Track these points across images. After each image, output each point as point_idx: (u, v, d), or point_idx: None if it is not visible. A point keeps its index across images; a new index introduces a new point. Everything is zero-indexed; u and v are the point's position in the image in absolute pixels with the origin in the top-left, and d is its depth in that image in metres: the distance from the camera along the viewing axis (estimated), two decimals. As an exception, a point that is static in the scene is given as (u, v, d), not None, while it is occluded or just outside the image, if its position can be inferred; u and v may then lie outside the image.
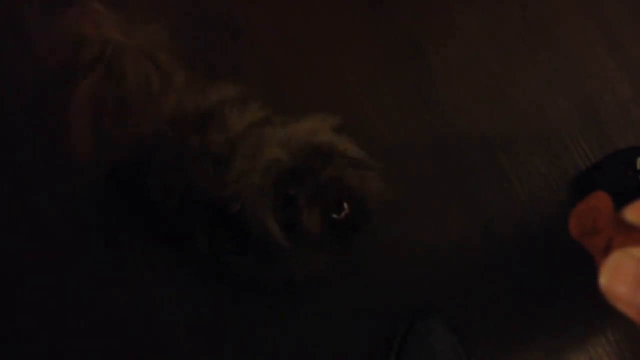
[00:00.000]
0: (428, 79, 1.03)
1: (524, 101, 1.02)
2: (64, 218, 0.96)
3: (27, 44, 1.01)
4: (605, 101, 1.03)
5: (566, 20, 1.06)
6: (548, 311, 0.95)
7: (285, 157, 0.62)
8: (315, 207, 0.63)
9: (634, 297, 0.20)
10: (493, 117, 1.02)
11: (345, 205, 0.64)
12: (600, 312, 0.93)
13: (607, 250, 0.23)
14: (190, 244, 0.76)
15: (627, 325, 0.76)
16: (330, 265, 0.81)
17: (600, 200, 0.24)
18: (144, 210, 0.79)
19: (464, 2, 1.07)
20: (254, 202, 0.64)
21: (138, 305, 0.93)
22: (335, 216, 0.64)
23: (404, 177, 0.98)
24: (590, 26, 1.06)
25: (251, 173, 0.63)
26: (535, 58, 1.05)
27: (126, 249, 0.95)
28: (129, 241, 0.95)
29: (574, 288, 0.93)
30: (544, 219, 0.98)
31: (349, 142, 0.68)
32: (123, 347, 0.93)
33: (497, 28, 1.06)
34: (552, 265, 0.95)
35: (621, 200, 0.25)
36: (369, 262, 0.95)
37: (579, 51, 1.05)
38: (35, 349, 0.93)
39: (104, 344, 0.93)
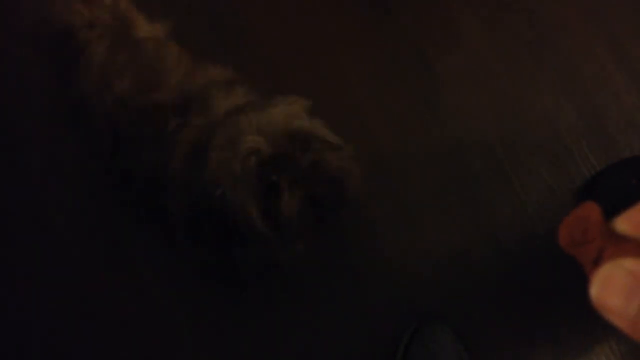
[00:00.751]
0: (432, 85, 1.04)
1: (529, 109, 1.02)
2: (66, 217, 0.96)
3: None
4: (611, 110, 1.03)
5: (572, 29, 1.06)
6: (553, 320, 0.94)
7: (264, 143, 0.63)
8: (297, 192, 0.64)
9: (625, 308, 0.20)
10: (498, 124, 1.02)
11: (323, 188, 0.65)
12: (604, 321, 0.93)
13: (598, 261, 0.23)
14: (171, 228, 0.76)
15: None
16: (316, 254, 0.80)
17: (590, 210, 0.24)
18: (132, 186, 0.80)
19: (469, 9, 1.07)
20: (235, 189, 0.65)
21: (139, 304, 0.94)
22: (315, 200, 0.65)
23: (408, 184, 0.99)
24: (596, 35, 1.06)
25: (231, 161, 0.64)
26: (540, 66, 1.05)
27: (127, 247, 0.95)
28: (131, 239, 0.96)
29: (579, 297, 0.93)
30: (549, 228, 0.97)
31: (322, 125, 0.69)
32: (124, 345, 0.93)
33: (502, 35, 1.06)
34: (557, 274, 0.94)
35: (625, 209, 0.25)
36: (374, 268, 0.95)
37: (584, 59, 1.05)
38: (35, 348, 0.93)
39: (105, 343, 0.93)
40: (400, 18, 1.06)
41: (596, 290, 0.21)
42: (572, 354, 0.94)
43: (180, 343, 0.93)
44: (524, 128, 1.01)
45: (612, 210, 0.25)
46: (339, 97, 1.02)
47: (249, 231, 0.66)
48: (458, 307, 0.93)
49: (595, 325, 0.94)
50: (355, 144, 0.99)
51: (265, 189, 0.64)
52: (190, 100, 0.73)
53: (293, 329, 0.93)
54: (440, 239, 0.97)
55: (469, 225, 0.98)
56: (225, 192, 0.65)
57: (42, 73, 0.97)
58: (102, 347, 0.93)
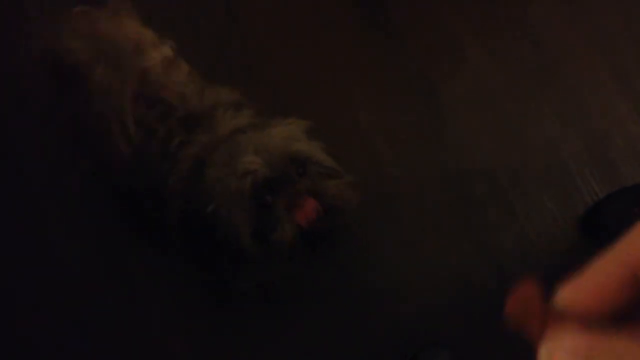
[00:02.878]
0: (436, 109, 1.04)
1: (533, 136, 1.02)
2: (65, 231, 0.96)
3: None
4: (615, 138, 1.02)
5: (577, 57, 1.07)
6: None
7: (261, 165, 0.63)
8: (291, 217, 0.64)
9: None
10: (501, 150, 1.01)
11: (319, 215, 0.64)
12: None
13: (541, 336, 0.24)
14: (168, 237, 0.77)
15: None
16: (331, 290, 0.80)
17: (528, 291, 0.25)
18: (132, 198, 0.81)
19: (474, 34, 1.08)
20: (229, 207, 0.65)
21: (138, 314, 0.93)
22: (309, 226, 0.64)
23: (410, 208, 0.98)
24: (602, 64, 1.06)
25: (227, 179, 0.64)
26: (545, 93, 1.05)
27: (126, 256, 0.95)
28: (130, 249, 0.95)
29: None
30: (551, 254, 0.97)
31: (321, 149, 0.69)
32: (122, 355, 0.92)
33: (507, 62, 1.06)
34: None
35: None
36: (374, 292, 0.94)
37: (589, 88, 1.05)
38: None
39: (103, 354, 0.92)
40: (406, 43, 1.07)
41: None
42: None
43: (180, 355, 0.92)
44: (527, 154, 1.01)
45: (615, 238, 0.26)
46: (343, 119, 1.02)
47: (237, 249, 0.66)
48: (457, 332, 0.92)
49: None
50: (357, 167, 1.00)
51: (259, 209, 0.64)
52: (197, 118, 0.73)
53: (293, 353, 0.92)
54: (441, 264, 0.96)
55: (470, 250, 0.97)
56: (218, 209, 0.65)
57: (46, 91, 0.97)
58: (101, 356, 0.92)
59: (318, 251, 0.72)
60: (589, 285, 0.24)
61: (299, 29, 1.08)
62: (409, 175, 1.01)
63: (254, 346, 0.93)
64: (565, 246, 0.97)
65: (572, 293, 0.24)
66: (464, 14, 1.07)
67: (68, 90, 0.79)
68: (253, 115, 0.76)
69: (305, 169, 0.65)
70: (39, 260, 0.96)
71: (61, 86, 0.81)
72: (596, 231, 0.95)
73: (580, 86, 1.05)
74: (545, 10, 1.08)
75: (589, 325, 0.23)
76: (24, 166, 0.99)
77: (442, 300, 0.94)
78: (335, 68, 1.06)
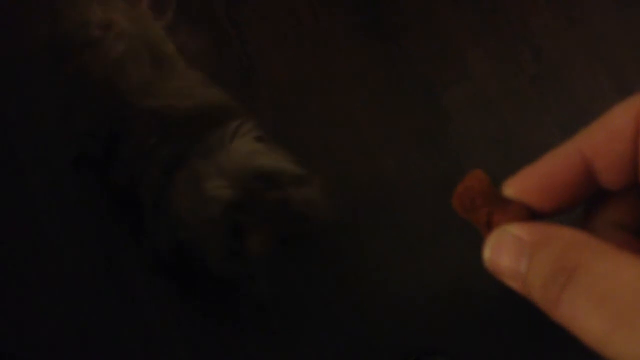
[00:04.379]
0: (436, 115, 1.04)
1: (533, 143, 1.02)
2: (66, 239, 0.96)
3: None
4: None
5: (577, 66, 1.07)
6: (554, 356, 0.93)
7: (226, 187, 0.63)
8: (263, 231, 0.64)
9: (516, 270, 0.21)
10: (501, 157, 1.02)
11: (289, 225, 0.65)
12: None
13: (489, 225, 0.24)
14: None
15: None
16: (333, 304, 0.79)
17: (475, 179, 0.25)
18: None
19: (475, 42, 1.08)
20: (202, 236, 0.64)
21: (139, 328, 0.93)
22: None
23: (409, 214, 0.98)
24: (601, 72, 1.06)
25: (194, 208, 0.63)
26: (545, 101, 1.05)
27: (127, 270, 0.94)
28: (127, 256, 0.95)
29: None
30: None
31: (284, 157, 0.69)
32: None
33: (507, 69, 1.07)
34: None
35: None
36: (373, 300, 0.94)
37: (590, 96, 1.05)
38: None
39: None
40: (406, 49, 1.07)
41: (488, 254, 0.22)
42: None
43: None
44: (527, 162, 1.01)
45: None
46: (342, 124, 1.02)
47: (215, 273, 0.66)
48: (457, 339, 0.92)
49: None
50: (356, 172, 1.00)
51: (232, 231, 0.64)
52: (189, 119, 0.73)
53: None
54: (441, 271, 0.96)
55: (471, 258, 0.96)
56: (190, 238, 0.65)
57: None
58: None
59: (295, 263, 0.72)
60: (538, 173, 0.24)
61: (298, 35, 1.08)
62: (408, 180, 1.00)
63: (252, 355, 0.92)
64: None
65: (521, 181, 0.24)
66: (465, 21, 1.08)
67: (77, 64, 0.79)
68: (250, 127, 0.75)
69: (272, 182, 0.65)
70: (35, 259, 0.95)
71: (71, 60, 0.80)
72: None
73: (580, 94, 1.05)
74: (545, 19, 1.08)
75: (535, 216, 0.23)
76: (22, 160, 0.99)
77: (442, 307, 0.94)
78: (334, 73, 1.06)
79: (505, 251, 0.21)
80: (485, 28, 1.08)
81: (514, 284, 0.21)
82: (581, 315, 0.18)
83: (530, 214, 0.23)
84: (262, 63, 1.06)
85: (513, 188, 0.24)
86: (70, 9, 0.80)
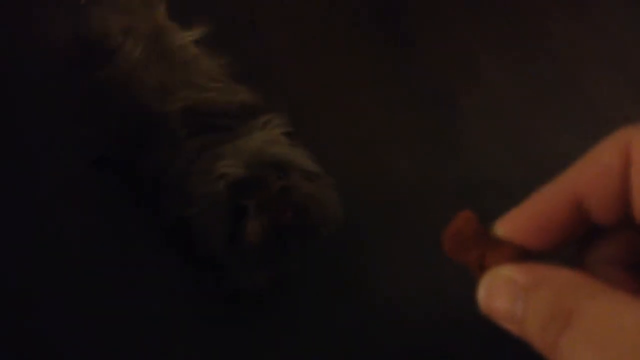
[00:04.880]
0: (451, 121, 1.03)
1: (549, 150, 1.01)
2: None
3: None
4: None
5: (594, 71, 1.06)
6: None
7: (237, 168, 0.63)
8: (261, 217, 0.63)
9: (512, 312, 0.21)
10: (516, 164, 1.00)
11: (289, 214, 0.64)
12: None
13: (482, 267, 0.23)
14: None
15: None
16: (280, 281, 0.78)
17: (465, 220, 0.25)
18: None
19: (491, 48, 1.07)
20: (204, 212, 0.65)
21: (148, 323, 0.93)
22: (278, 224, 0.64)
23: (419, 219, 0.97)
24: (621, 79, 1.05)
25: (203, 184, 0.64)
26: (561, 108, 1.04)
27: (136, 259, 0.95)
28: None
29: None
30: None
31: (302, 153, 0.69)
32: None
33: (523, 75, 1.06)
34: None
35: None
36: (379, 303, 0.93)
37: (606, 103, 1.04)
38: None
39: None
40: (421, 55, 1.07)
41: (482, 297, 0.22)
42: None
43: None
44: (542, 169, 1.00)
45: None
46: (355, 128, 1.02)
47: (212, 254, 0.66)
48: (465, 347, 0.91)
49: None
50: (370, 175, 1.00)
51: (234, 213, 0.64)
52: (214, 115, 0.74)
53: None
54: (450, 277, 0.94)
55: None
56: (195, 215, 0.65)
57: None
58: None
59: (291, 253, 0.71)
60: (529, 213, 0.24)
61: (316, 39, 1.08)
62: (421, 184, 1.00)
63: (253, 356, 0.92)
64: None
65: (512, 221, 0.24)
66: (481, 27, 1.07)
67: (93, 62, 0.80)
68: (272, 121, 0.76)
69: (284, 172, 0.65)
70: (43, 249, 0.95)
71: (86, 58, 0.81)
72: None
73: (598, 101, 1.04)
74: (562, 25, 1.07)
75: (528, 256, 0.23)
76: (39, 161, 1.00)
77: (449, 314, 0.93)
78: (351, 78, 1.06)
79: (500, 294, 0.21)
80: (500, 35, 1.08)
81: (510, 327, 0.21)
82: None
83: (524, 254, 0.23)
84: (279, 63, 1.06)
85: (504, 228, 0.24)
86: (93, 19, 0.82)
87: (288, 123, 0.71)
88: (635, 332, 0.17)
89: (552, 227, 0.23)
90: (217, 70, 0.83)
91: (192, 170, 0.67)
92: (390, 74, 1.06)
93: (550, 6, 1.09)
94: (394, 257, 0.96)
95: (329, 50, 1.08)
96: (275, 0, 1.12)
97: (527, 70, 1.06)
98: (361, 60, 1.07)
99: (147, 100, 0.74)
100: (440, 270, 0.95)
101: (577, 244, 0.25)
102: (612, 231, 0.23)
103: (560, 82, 1.05)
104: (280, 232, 0.64)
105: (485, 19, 1.08)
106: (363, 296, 0.94)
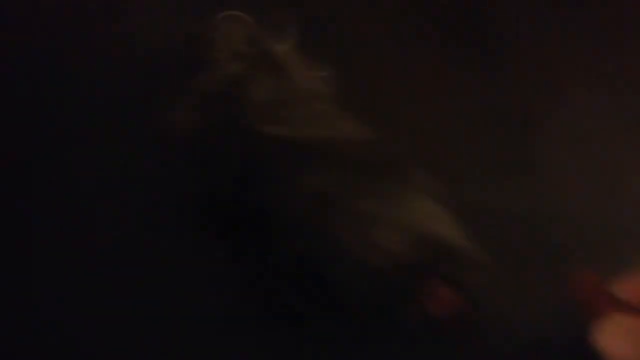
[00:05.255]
0: (529, 146, 0.99)
1: (633, 189, 0.95)
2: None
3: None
4: None
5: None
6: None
7: (402, 244, 0.60)
8: (425, 304, 0.60)
9: (633, 356, 0.26)
10: (594, 200, 0.95)
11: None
12: None
13: (602, 313, 0.31)
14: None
15: None
16: None
17: (589, 282, 0.33)
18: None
19: (583, 77, 1.03)
20: (361, 276, 0.61)
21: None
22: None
23: (489, 247, 0.94)
24: None
25: (358, 244, 0.60)
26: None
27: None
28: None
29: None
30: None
31: (463, 235, 0.64)
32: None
33: (612, 108, 1.01)
34: None
35: None
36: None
37: None
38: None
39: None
40: (505, 75, 1.04)
41: (605, 342, 0.28)
42: None
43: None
44: (623, 208, 0.95)
45: None
46: (432, 146, 1.00)
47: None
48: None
49: None
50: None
51: (392, 289, 0.61)
52: (333, 151, 0.71)
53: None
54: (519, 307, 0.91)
55: (544, 298, 0.92)
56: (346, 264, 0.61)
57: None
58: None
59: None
60: None
61: (396, 52, 1.07)
62: (486, 206, 0.97)
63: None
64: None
65: (630, 286, 0.32)
66: (575, 53, 1.03)
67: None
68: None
69: (450, 256, 0.61)
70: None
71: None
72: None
73: None
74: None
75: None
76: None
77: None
78: (428, 89, 1.04)
79: (622, 341, 0.28)
80: (595, 64, 1.04)
81: None
82: None
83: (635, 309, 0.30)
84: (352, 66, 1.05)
85: (622, 290, 0.32)
86: (221, 41, 0.79)
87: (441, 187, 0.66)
88: None
89: None
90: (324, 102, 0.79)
91: (328, 215, 0.62)
92: (471, 90, 1.04)
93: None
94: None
95: (409, 64, 1.06)
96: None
97: (618, 105, 1.01)
98: (441, 75, 1.05)
99: (252, 119, 0.71)
100: (503, 301, 0.92)
101: None
102: None
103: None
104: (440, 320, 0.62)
105: (582, 45, 1.04)
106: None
